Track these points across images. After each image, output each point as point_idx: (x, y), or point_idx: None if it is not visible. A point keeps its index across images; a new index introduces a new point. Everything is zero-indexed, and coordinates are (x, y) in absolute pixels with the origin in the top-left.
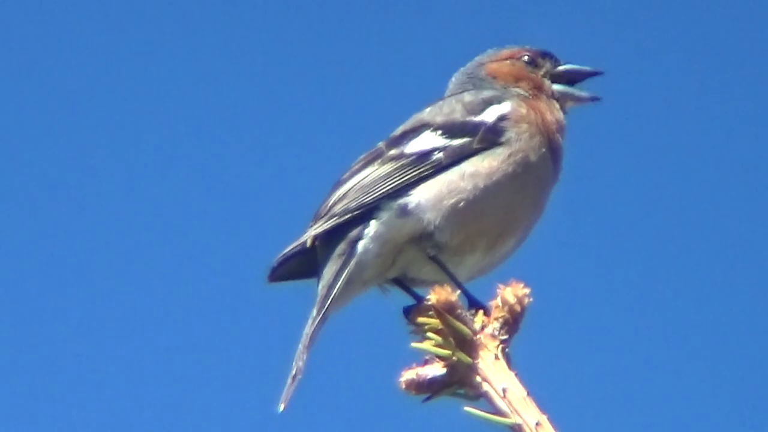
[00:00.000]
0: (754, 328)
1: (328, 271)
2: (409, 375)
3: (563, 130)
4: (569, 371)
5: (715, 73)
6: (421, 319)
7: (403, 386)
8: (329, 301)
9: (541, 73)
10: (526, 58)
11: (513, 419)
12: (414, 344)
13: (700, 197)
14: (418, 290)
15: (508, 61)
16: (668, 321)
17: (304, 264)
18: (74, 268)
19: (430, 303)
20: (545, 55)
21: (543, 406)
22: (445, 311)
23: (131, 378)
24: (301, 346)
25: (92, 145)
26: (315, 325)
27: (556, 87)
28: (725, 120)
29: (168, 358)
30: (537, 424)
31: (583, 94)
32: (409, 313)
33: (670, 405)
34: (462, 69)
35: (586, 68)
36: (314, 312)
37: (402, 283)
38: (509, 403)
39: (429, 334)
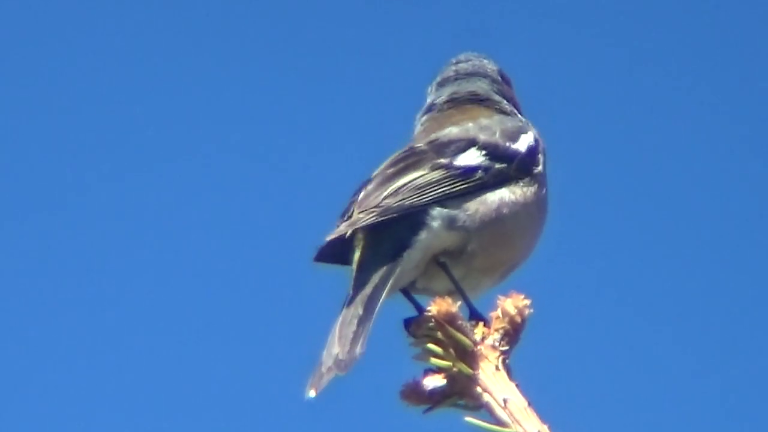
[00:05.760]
0: (761, 336)
1: (375, 274)
2: (409, 386)
3: None
4: (570, 382)
5: (715, 74)
6: (421, 331)
7: (403, 397)
8: (379, 303)
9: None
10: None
11: (514, 429)
12: (414, 355)
13: (706, 206)
14: (422, 300)
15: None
16: (671, 331)
17: (335, 249)
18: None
19: (430, 314)
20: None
21: (544, 417)
22: (446, 322)
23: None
24: (341, 340)
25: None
26: (364, 324)
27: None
28: (727, 122)
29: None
30: None
31: None
32: (410, 324)
33: (673, 415)
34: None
35: None
36: (360, 310)
37: (408, 292)
38: (510, 413)
39: (429, 345)
